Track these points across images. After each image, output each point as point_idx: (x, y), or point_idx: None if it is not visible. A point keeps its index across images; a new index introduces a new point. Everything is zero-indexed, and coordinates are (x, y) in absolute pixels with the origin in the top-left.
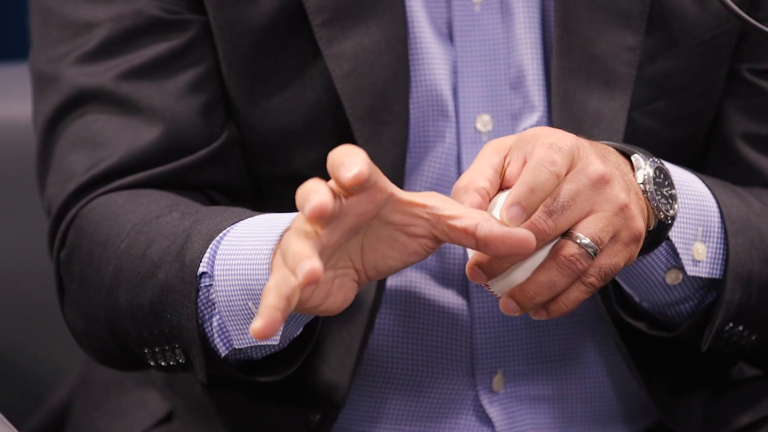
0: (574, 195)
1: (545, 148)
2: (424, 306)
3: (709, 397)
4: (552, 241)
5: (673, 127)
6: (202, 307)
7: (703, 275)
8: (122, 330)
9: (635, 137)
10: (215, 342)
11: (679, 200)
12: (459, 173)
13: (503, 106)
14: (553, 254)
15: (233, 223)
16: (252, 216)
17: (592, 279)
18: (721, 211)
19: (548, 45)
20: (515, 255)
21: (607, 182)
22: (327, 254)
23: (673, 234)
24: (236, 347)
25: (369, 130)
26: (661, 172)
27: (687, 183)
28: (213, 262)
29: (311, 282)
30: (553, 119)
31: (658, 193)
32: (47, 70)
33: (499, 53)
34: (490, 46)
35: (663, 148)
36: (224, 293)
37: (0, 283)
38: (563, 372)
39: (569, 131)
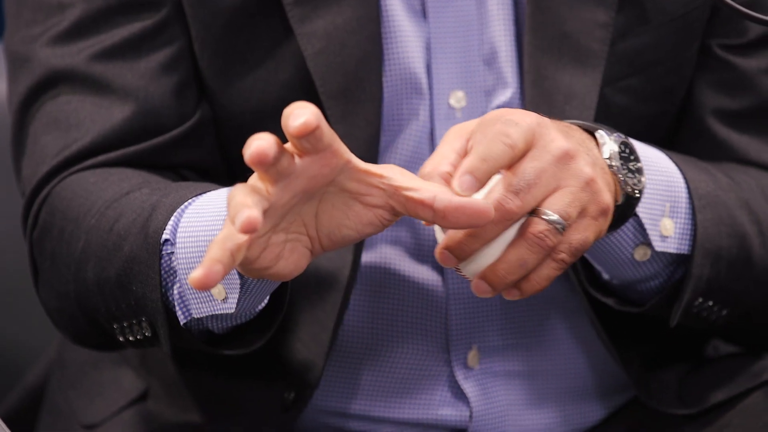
0: (539, 172)
1: (501, 123)
2: (398, 282)
3: (683, 373)
4: (520, 219)
5: (645, 104)
6: (165, 276)
7: (672, 251)
8: (91, 305)
9: (608, 113)
10: (176, 311)
11: (645, 174)
12: (432, 150)
13: (477, 82)
14: (522, 232)
15: (198, 194)
16: (219, 189)
17: (562, 255)
18: (688, 187)
19: (521, 22)
20: (474, 226)
21: (571, 158)
22: (277, 214)
23: (641, 210)
24: (194, 316)
25: (341, 108)
26: (626, 146)
27: (653, 159)
28: (176, 230)
29: (247, 230)
30: (525, 96)
31: (624, 167)
32: (21, 51)
33: (472, 30)
34: (464, 23)
35: (635, 125)
36: (185, 259)
37: None
38: (538, 348)
39: (541, 108)
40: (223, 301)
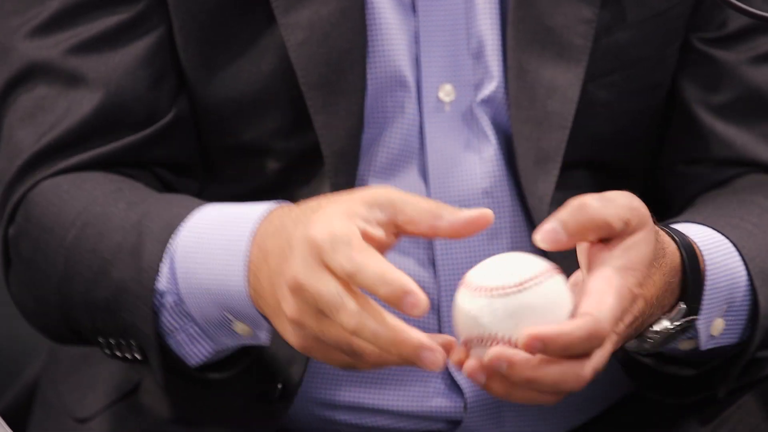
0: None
1: (611, 320)
2: None
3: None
4: None
5: (629, 99)
6: (171, 319)
7: (715, 345)
8: (76, 318)
9: (591, 109)
10: (201, 344)
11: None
12: (422, 143)
13: (465, 75)
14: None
15: (182, 219)
16: (197, 207)
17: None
18: (749, 273)
19: (506, 15)
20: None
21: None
22: None
23: (699, 320)
24: (221, 347)
25: (322, 99)
26: (685, 324)
27: (723, 262)
28: (175, 278)
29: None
30: (508, 90)
31: (665, 338)
32: (1, 42)
33: (459, 23)
34: (452, 16)
35: (619, 120)
36: (197, 308)
37: None
38: None
39: (523, 101)
40: (252, 337)
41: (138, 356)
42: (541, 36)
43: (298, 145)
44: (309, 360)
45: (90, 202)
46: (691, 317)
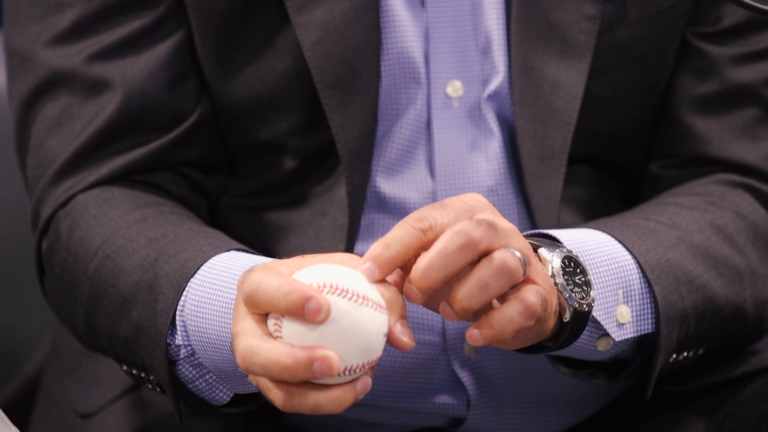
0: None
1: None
2: None
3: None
4: None
5: (630, 97)
6: (188, 370)
7: (631, 335)
8: (101, 344)
9: (592, 106)
10: (218, 389)
11: (594, 286)
12: (429, 139)
13: (473, 71)
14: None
15: (195, 267)
16: (208, 256)
17: (526, 294)
18: (638, 263)
19: (511, 12)
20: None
21: (483, 209)
22: None
23: (595, 308)
24: (237, 393)
25: (337, 98)
26: (570, 260)
27: (599, 248)
28: (188, 334)
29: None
30: (513, 86)
31: (570, 282)
32: (21, 49)
33: (467, 19)
34: (459, 12)
35: (620, 118)
36: (211, 362)
37: None
38: None
39: (528, 98)
40: None
41: (158, 389)
42: (545, 32)
43: (313, 143)
44: None
45: (112, 232)
46: (561, 250)
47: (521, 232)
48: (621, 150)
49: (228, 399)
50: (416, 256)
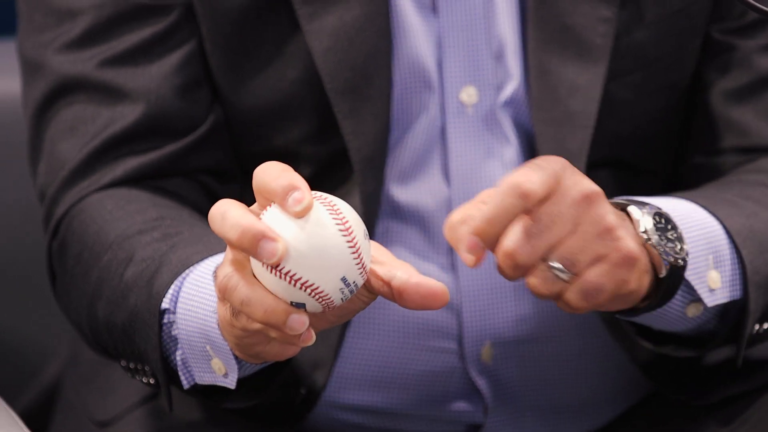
0: (554, 216)
1: (522, 170)
2: None
3: (699, 365)
4: None
5: (649, 99)
6: (167, 340)
7: (723, 301)
8: (102, 339)
9: (611, 109)
10: (180, 375)
11: (686, 240)
12: (444, 146)
13: (487, 77)
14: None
15: (203, 258)
16: (221, 250)
17: (568, 297)
18: (726, 229)
19: (526, 16)
20: (429, 308)
21: (592, 201)
22: None
23: (688, 271)
24: (198, 383)
25: (349, 105)
26: (660, 217)
27: (686, 215)
28: (177, 300)
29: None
30: (530, 90)
31: (663, 238)
32: (33, 57)
33: (480, 24)
34: (472, 18)
35: (639, 120)
36: (185, 332)
37: None
38: (552, 343)
39: (545, 101)
40: (224, 376)
41: (152, 381)
42: (561, 36)
43: (326, 151)
44: (334, 365)
45: (129, 226)
46: (651, 208)
47: None
48: (642, 152)
49: (188, 386)
50: None
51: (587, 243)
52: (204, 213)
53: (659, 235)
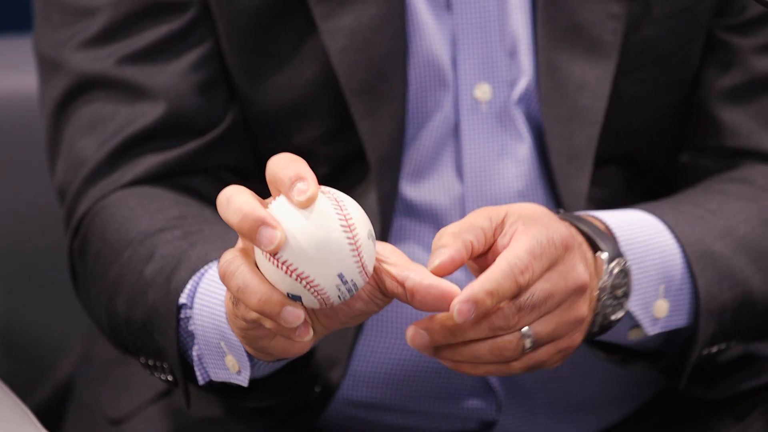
0: (547, 296)
1: (527, 250)
2: None
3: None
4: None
5: (657, 95)
6: (185, 335)
7: (667, 329)
8: (121, 335)
9: (620, 105)
10: (195, 371)
11: (631, 296)
12: (457, 143)
13: (501, 74)
14: (493, 333)
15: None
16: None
17: (516, 366)
18: (685, 254)
19: (536, 13)
20: (441, 309)
21: (582, 293)
22: None
23: (632, 302)
24: (213, 379)
25: (365, 105)
26: (621, 272)
27: (650, 240)
28: (194, 295)
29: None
30: (540, 86)
31: (610, 298)
32: (51, 55)
33: (493, 22)
34: (485, 15)
35: (647, 115)
36: (201, 328)
37: (6, 257)
38: None
39: (554, 98)
40: (237, 373)
41: (170, 378)
42: (570, 32)
43: (342, 150)
44: (349, 363)
45: (150, 224)
46: (619, 261)
47: None
48: (650, 148)
49: (203, 382)
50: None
51: (559, 326)
52: None
53: (609, 295)
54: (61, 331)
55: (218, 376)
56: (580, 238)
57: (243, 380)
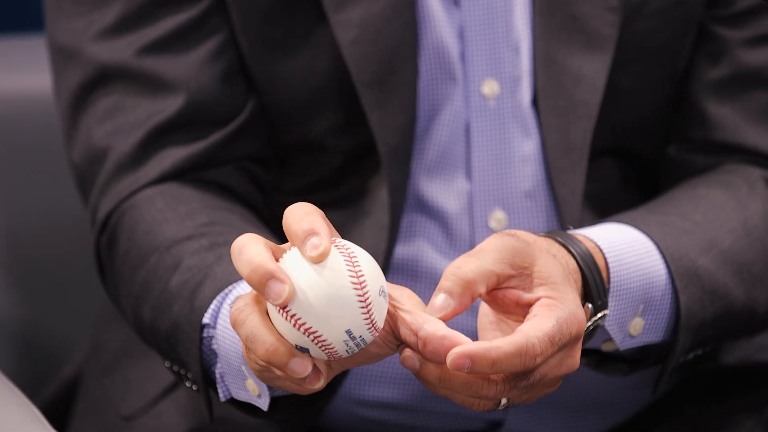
0: (541, 377)
1: (549, 336)
2: (430, 275)
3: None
4: None
5: (651, 88)
6: (208, 352)
7: (639, 344)
8: (146, 339)
9: (614, 98)
10: (218, 387)
11: (605, 325)
12: (468, 140)
13: (508, 70)
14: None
15: None
16: None
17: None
18: (669, 271)
19: (535, 4)
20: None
21: (570, 370)
22: None
23: (608, 321)
24: (235, 398)
25: (376, 96)
26: (598, 322)
27: (636, 261)
28: (217, 315)
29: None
30: (537, 79)
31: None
32: (66, 45)
33: (499, 18)
34: (492, 10)
35: (641, 108)
36: (224, 350)
37: (15, 256)
38: None
39: (551, 91)
40: (258, 397)
41: (194, 387)
42: (567, 25)
43: (353, 142)
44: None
45: (179, 230)
46: (598, 317)
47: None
48: (644, 141)
49: (224, 399)
50: None
51: (535, 394)
52: (253, 202)
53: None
54: (69, 331)
55: (239, 396)
56: (580, 289)
57: (263, 404)
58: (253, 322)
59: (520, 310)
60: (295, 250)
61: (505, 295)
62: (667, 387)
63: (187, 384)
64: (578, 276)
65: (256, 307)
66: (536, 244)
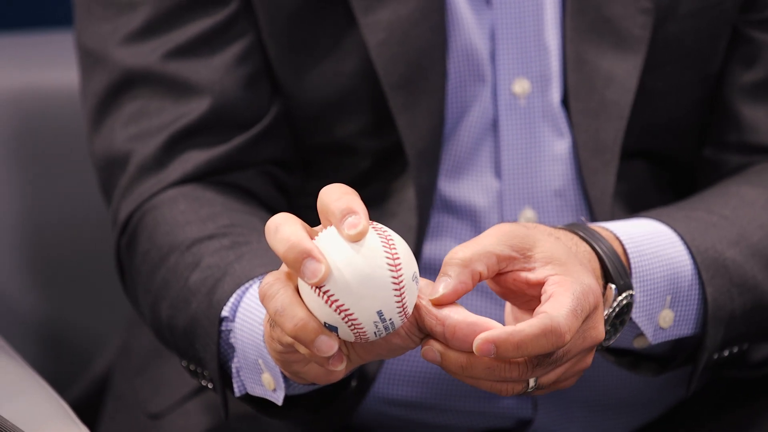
0: (564, 354)
1: (571, 310)
2: None
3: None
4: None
5: (683, 90)
6: (225, 347)
7: (672, 338)
8: (164, 338)
9: (646, 100)
10: (234, 383)
11: (633, 313)
12: (495, 138)
13: (539, 69)
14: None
15: (267, 271)
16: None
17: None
18: (695, 263)
19: (566, 5)
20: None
21: (594, 348)
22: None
23: (636, 311)
24: (250, 393)
25: (404, 99)
26: (627, 305)
27: (659, 251)
28: (236, 309)
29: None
30: (567, 80)
31: (610, 324)
32: (94, 48)
33: (530, 17)
34: (523, 10)
35: (673, 111)
36: (241, 342)
37: (46, 253)
38: None
39: (582, 92)
40: (273, 391)
41: (210, 385)
42: (598, 26)
43: (381, 145)
44: (383, 360)
45: (200, 231)
46: (624, 296)
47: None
48: (675, 143)
49: (239, 394)
50: None
51: (564, 375)
52: (275, 206)
53: (609, 324)
54: (99, 327)
55: (255, 391)
56: (599, 273)
57: (277, 399)
58: (284, 296)
59: (534, 291)
60: (330, 229)
61: (515, 279)
62: (698, 386)
63: (203, 382)
64: (593, 257)
65: (287, 283)
66: (537, 229)
